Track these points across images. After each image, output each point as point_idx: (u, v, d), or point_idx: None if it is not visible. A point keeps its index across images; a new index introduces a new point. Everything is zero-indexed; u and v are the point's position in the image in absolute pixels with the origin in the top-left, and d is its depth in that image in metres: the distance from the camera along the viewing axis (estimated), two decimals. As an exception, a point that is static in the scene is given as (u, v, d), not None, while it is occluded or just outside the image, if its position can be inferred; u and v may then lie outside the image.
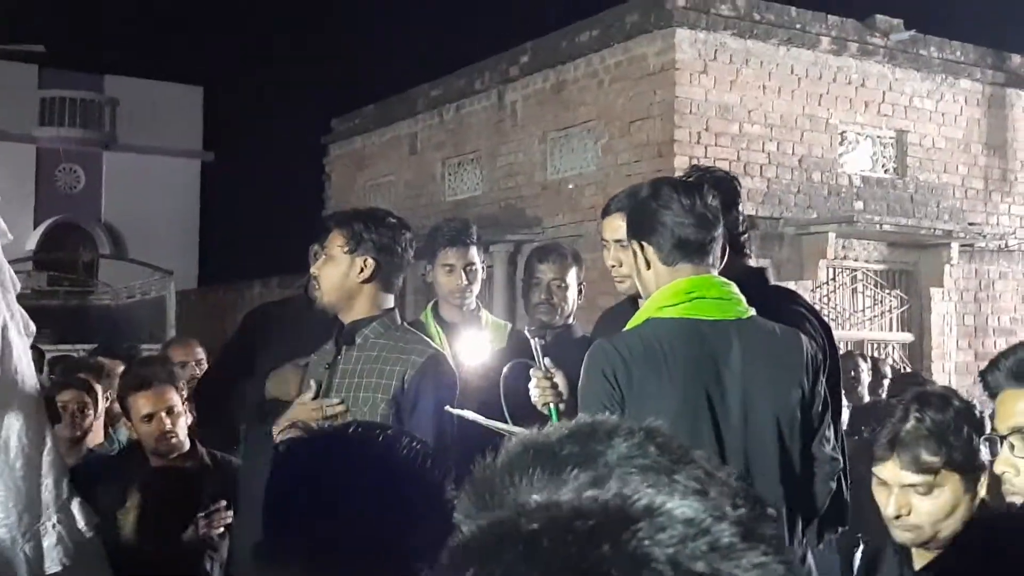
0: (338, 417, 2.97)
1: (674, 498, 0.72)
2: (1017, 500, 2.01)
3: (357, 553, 1.36)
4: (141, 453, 3.84)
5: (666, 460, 0.82)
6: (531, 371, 3.06)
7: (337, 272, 3.17)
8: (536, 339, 3.15)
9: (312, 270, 3.26)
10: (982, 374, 2.12)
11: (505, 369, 3.13)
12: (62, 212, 27.95)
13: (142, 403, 3.80)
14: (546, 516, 0.71)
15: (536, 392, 3.04)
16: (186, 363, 5.25)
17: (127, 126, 28.80)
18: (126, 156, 28.52)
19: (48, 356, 8.20)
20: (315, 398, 3.11)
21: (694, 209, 2.63)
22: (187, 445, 3.86)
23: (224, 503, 3.59)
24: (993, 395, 2.08)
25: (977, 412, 2.27)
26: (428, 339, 3.40)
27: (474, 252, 4.02)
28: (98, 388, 4.63)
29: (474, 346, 3.84)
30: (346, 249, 3.16)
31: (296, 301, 3.93)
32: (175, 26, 40.29)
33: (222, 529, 3.61)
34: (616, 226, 3.04)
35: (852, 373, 6.15)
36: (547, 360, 3.06)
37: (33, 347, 7.17)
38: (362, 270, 3.18)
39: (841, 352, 4.28)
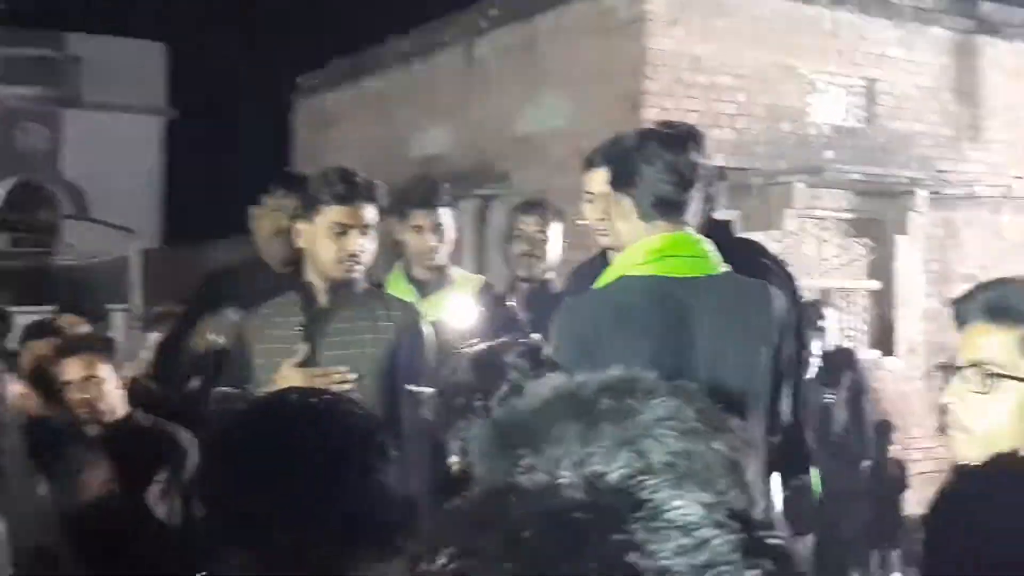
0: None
1: (679, 496, 0.69)
2: (956, 434, 1.96)
3: (293, 521, 1.34)
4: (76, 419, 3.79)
5: (704, 426, 0.80)
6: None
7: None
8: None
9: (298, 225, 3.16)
10: (955, 302, 2.08)
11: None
12: (23, 172, 27.54)
13: (66, 369, 3.75)
14: (538, 504, 0.69)
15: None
16: None
17: (90, 84, 28.32)
18: (89, 114, 28.04)
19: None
20: (303, 363, 3.08)
21: (677, 167, 2.59)
22: (119, 412, 3.80)
23: (166, 471, 3.64)
24: (961, 324, 2.04)
25: None
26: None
27: (443, 213, 3.97)
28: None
29: (451, 306, 3.81)
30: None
31: (251, 263, 3.90)
32: (136, -19, 39.61)
33: (157, 493, 3.64)
34: (601, 178, 2.97)
35: (818, 322, 6.18)
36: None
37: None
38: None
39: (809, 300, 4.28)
